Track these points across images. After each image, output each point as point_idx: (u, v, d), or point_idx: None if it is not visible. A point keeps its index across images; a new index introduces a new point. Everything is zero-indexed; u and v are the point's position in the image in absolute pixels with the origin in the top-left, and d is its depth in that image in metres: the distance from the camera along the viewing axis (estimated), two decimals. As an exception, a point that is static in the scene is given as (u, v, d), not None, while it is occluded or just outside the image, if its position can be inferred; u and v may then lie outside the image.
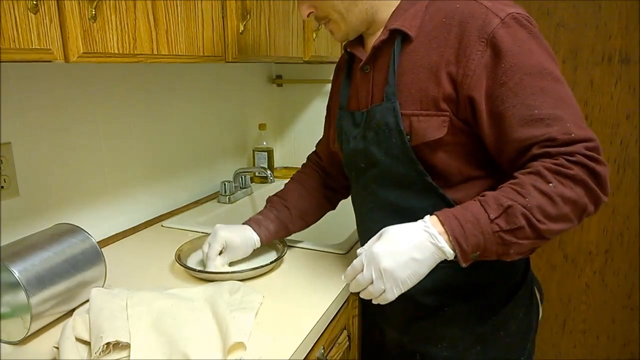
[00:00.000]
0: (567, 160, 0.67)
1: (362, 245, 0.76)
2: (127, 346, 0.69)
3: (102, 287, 0.86)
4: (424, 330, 0.91)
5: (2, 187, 0.96)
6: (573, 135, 0.68)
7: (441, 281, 0.80)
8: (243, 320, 0.78)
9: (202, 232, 1.21)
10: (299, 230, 1.08)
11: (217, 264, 0.96)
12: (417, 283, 0.69)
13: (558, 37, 1.73)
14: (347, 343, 1.00)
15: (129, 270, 1.02)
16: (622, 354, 1.91)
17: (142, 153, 1.31)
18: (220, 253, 0.97)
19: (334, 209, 1.14)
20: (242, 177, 1.57)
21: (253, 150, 1.77)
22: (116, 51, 0.80)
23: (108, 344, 0.68)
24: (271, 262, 0.99)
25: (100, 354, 0.67)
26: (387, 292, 0.68)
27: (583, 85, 1.74)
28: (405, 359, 0.94)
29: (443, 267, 0.71)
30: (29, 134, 1.01)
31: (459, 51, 0.73)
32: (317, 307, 0.86)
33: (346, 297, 0.95)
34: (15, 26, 0.64)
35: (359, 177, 0.91)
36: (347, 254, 1.10)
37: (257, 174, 1.74)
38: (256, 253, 1.04)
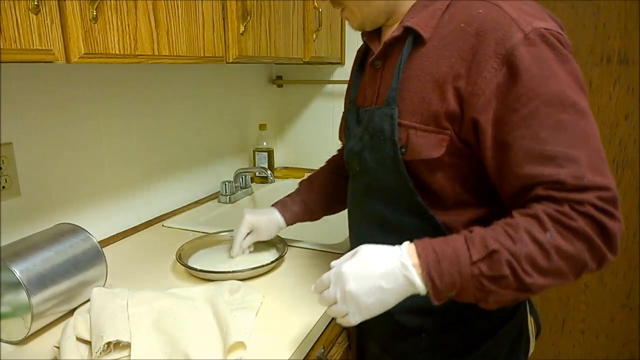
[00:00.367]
0: (573, 209, 0.58)
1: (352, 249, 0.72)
2: (127, 346, 0.69)
3: (103, 286, 0.86)
4: (402, 352, 0.86)
5: (3, 187, 0.96)
6: (586, 180, 0.58)
7: (421, 299, 0.67)
8: (243, 320, 0.79)
9: (202, 232, 1.21)
10: (324, 215, 1.08)
11: (244, 244, 1.03)
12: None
13: (557, 37, 1.74)
14: (347, 343, 1.00)
15: (130, 270, 1.02)
16: (621, 353, 1.92)
17: (143, 153, 1.31)
18: (250, 249, 1.04)
19: None
20: (242, 177, 1.58)
21: (253, 151, 1.77)
22: (117, 52, 0.80)
23: (109, 343, 0.68)
24: (271, 262, 0.99)
25: (100, 353, 0.67)
26: (349, 316, 0.64)
27: (582, 86, 1.75)
28: None
29: None
30: (30, 134, 1.01)
31: (472, 65, 0.64)
32: (317, 306, 0.85)
33: (346, 297, 0.95)
34: (17, 27, 0.64)
35: (353, 180, 0.87)
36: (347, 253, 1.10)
37: (257, 174, 1.74)
38: (257, 252, 1.04)
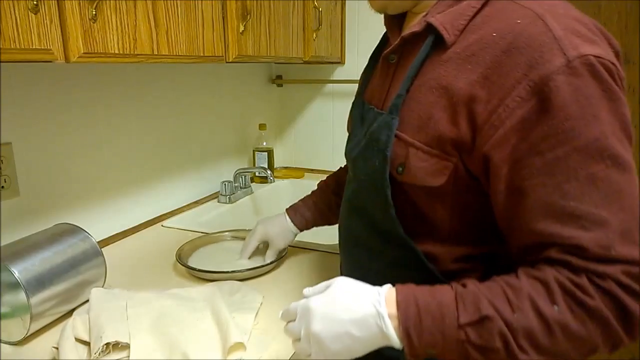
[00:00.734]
0: (592, 283, 0.48)
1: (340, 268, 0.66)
2: (126, 347, 0.69)
3: (102, 287, 0.86)
4: None
5: (2, 187, 0.96)
6: (613, 251, 0.48)
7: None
8: (243, 321, 0.78)
9: (202, 232, 1.21)
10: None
11: (247, 259, 1.03)
12: None
13: (558, 37, 1.73)
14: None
15: (129, 271, 1.02)
16: (622, 353, 1.92)
17: (143, 153, 1.31)
18: (259, 247, 1.03)
19: None
20: (242, 177, 1.58)
21: (253, 150, 1.77)
22: (116, 51, 0.80)
23: (108, 344, 0.68)
24: (271, 262, 0.99)
25: (99, 354, 0.67)
26: (312, 356, 0.56)
27: (583, 86, 1.74)
28: None
29: None
30: (30, 134, 1.01)
31: (494, 87, 0.52)
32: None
33: (346, 298, 0.95)
34: (16, 26, 0.64)
35: (346, 187, 0.78)
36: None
37: (257, 174, 1.74)
38: (256, 253, 1.04)
